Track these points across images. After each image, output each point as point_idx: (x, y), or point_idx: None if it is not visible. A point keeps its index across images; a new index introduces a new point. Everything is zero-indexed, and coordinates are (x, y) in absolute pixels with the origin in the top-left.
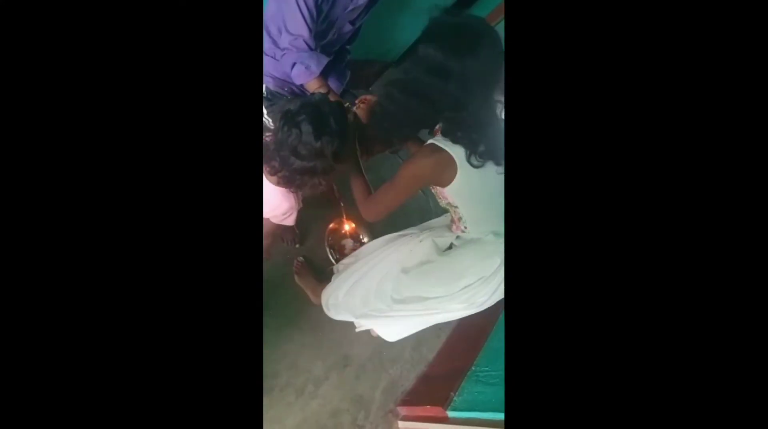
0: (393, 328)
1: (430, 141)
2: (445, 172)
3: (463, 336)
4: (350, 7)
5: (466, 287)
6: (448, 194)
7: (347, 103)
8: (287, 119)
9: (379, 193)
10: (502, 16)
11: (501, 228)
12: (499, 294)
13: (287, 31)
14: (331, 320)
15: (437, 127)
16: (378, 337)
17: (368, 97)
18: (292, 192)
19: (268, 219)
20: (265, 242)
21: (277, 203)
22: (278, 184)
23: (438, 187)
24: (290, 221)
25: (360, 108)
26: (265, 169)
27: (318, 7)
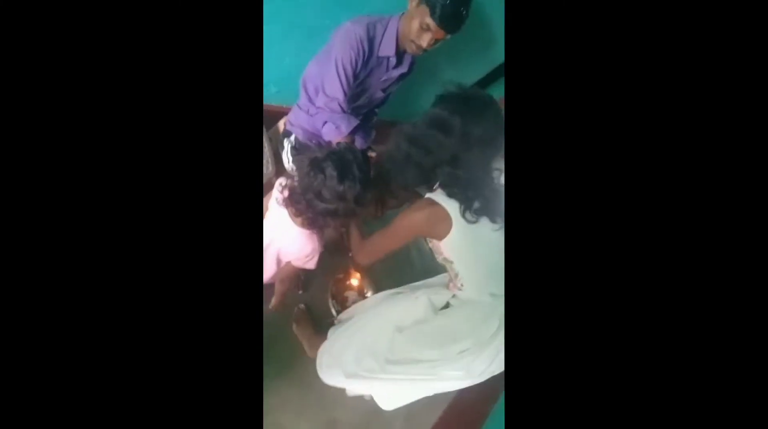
0: (386, 394)
1: (427, 195)
2: (439, 225)
3: (459, 414)
4: (384, 77)
5: (462, 352)
6: (444, 249)
7: (372, 152)
8: (314, 165)
9: (373, 238)
10: None
11: (498, 289)
12: (499, 364)
13: (324, 92)
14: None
15: (436, 184)
16: (369, 404)
17: (373, 154)
18: (316, 234)
19: (290, 262)
20: (283, 287)
21: (301, 245)
22: (302, 225)
23: (435, 241)
24: (312, 265)
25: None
26: (291, 212)
27: (356, 75)
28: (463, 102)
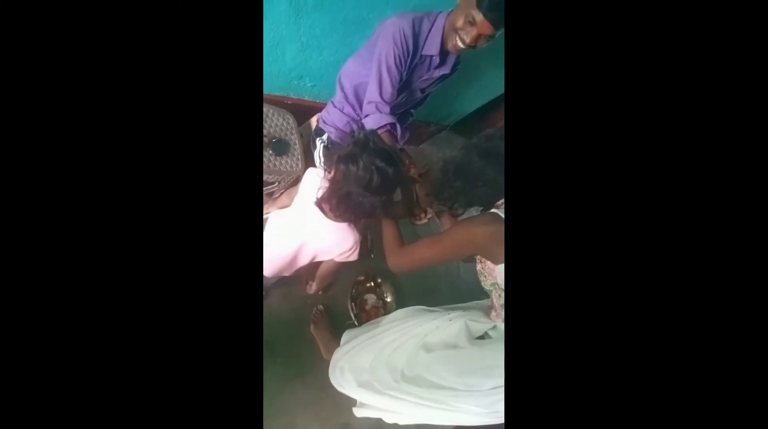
0: (394, 411)
1: (492, 210)
2: (502, 246)
3: None
4: (425, 77)
5: (494, 389)
6: (499, 273)
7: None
8: (344, 159)
9: (418, 245)
10: None
11: None
12: None
13: (366, 93)
14: None
15: (499, 202)
16: None
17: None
18: (354, 226)
19: (332, 259)
20: (324, 282)
21: (341, 239)
22: (337, 217)
23: (488, 263)
24: (354, 256)
25: (416, 168)
26: (327, 208)
27: (400, 74)
28: None
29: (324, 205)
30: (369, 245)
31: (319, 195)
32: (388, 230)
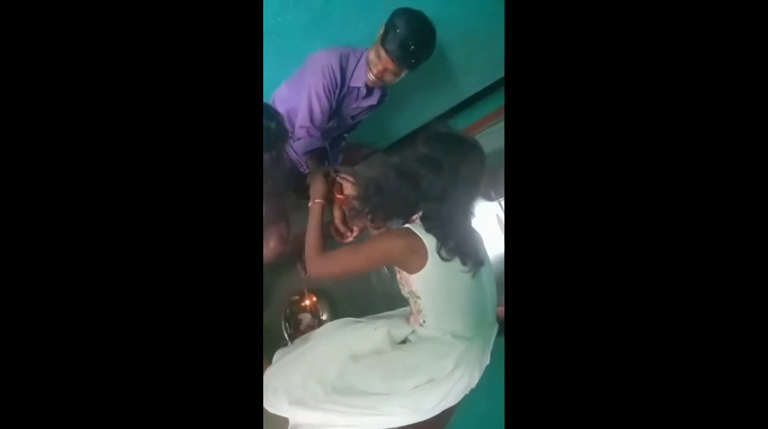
0: (327, 426)
1: (405, 225)
2: (415, 257)
3: None
4: (354, 105)
5: (415, 388)
6: (414, 282)
7: (333, 171)
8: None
9: (338, 253)
10: (485, 126)
11: (460, 329)
12: (449, 401)
13: (297, 119)
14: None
15: (414, 217)
16: None
17: (349, 176)
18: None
19: None
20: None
21: None
22: None
23: (404, 273)
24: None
25: (345, 180)
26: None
27: (330, 103)
28: (455, 142)
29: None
30: (303, 265)
31: None
32: (310, 236)
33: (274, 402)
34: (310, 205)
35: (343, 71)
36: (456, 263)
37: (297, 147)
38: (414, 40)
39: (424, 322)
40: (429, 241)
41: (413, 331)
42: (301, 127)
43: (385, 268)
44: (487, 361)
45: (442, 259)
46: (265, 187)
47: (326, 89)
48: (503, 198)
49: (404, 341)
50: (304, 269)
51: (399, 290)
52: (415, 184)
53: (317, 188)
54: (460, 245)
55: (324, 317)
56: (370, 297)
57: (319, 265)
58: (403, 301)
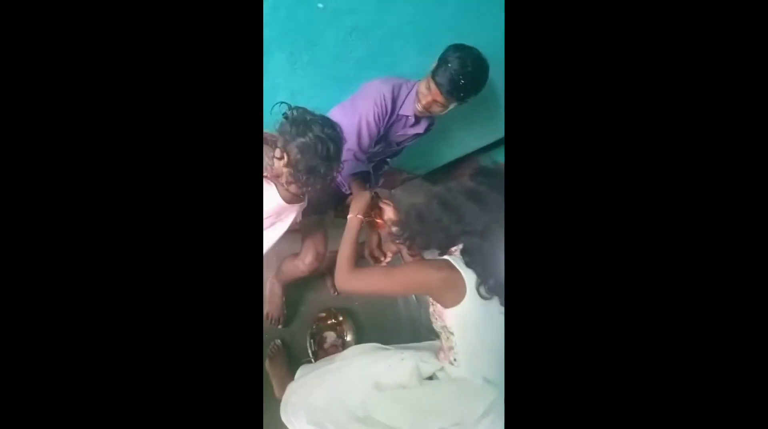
0: None
1: (445, 257)
2: (453, 291)
3: None
4: (400, 133)
5: None
6: (448, 317)
7: (375, 194)
8: (295, 136)
9: (371, 272)
10: None
11: (494, 375)
12: None
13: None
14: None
15: (454, 248)
16: None
17: (390, 202)
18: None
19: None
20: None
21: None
22: (305, 191)
23: (438, 306)
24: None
25: (386, 205)
26: (291, 191)
27: (378, 130)
28: (501, 178)
29: (290, 189)
30: (330, 283)
31: (284, 182)
32: (344, 249)
33: (292, 418)
34: (348, 217)
35: (394, 100)
36: (495, 303)
37: (342, 168)
38: (464, 76)
39: (455, 360)
40: (468, 277)
41: (442, 369)
42: (349, 149)
43: (413, 295)
44: None
45: (481, 297)
46: (307, 204)
47: (376, 117)
48: None
49: (431, 377)
50: (333, 287)
51: (424, 319)
52: (458, 215)
53: (359, 205)
54: (500, 285)
55: (348, 338)
56: (396, 322)
57: (349, 279)
58: (428, 332)
